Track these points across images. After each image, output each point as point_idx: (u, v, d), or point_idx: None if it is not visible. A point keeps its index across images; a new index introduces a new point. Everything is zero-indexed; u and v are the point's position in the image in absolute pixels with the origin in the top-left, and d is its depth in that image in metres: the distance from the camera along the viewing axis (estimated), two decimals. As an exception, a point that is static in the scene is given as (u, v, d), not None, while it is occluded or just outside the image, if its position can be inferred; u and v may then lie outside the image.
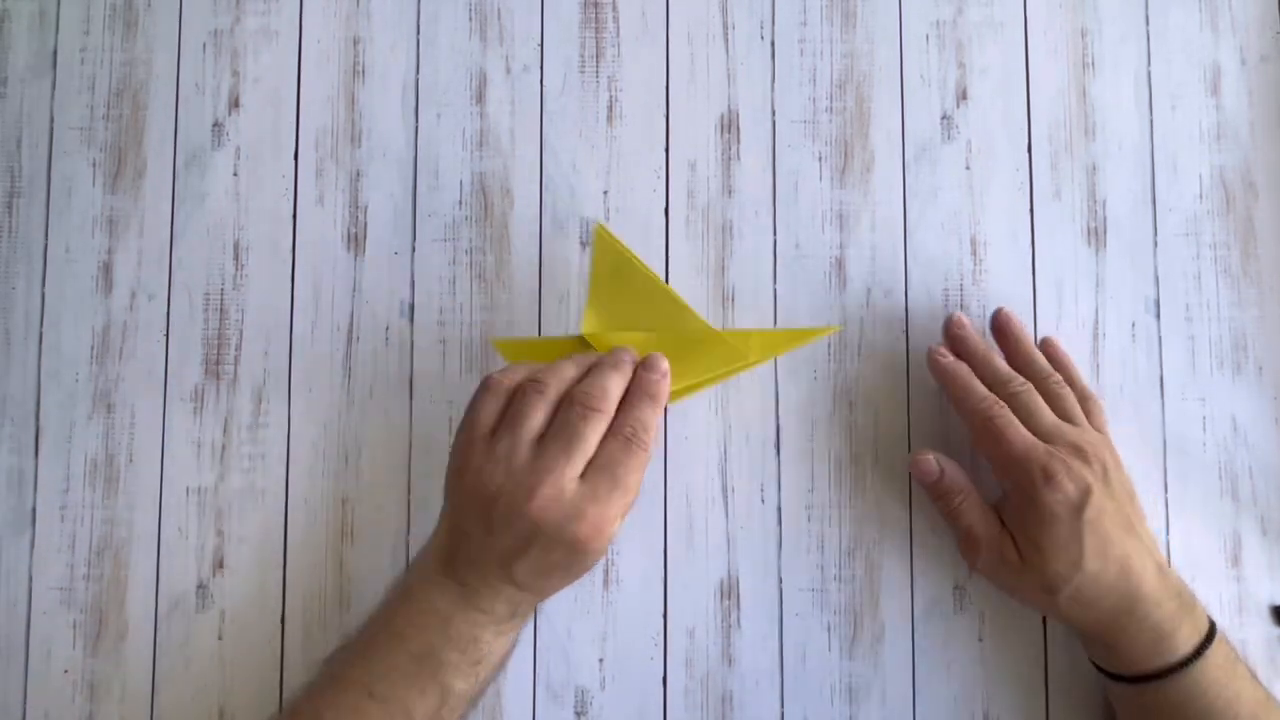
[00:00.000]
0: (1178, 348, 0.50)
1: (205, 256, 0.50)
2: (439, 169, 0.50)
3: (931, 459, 0.45)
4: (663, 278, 0.49)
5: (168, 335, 0.49)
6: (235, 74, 0.50)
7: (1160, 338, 0.50)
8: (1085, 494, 0.41)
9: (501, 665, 0.43)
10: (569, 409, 0.39)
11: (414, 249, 0.50)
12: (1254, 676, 0.42)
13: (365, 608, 0.43)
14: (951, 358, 0.46)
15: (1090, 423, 0.44)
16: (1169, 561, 0.48)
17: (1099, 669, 0.44)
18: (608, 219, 0.50)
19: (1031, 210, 0.50)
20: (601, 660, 0.48)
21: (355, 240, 0.50)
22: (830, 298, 0.50)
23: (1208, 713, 0.40)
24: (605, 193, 0.50)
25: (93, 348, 0.49)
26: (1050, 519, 0.41)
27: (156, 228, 0.50)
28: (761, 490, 0.49)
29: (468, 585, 0.39)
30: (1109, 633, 0.42)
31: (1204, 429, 0.49)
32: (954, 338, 0.47)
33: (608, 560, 0.48)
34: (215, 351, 0.49)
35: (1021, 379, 0.45)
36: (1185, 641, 0.41)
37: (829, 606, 0.48)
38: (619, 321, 0.45)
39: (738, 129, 0.50)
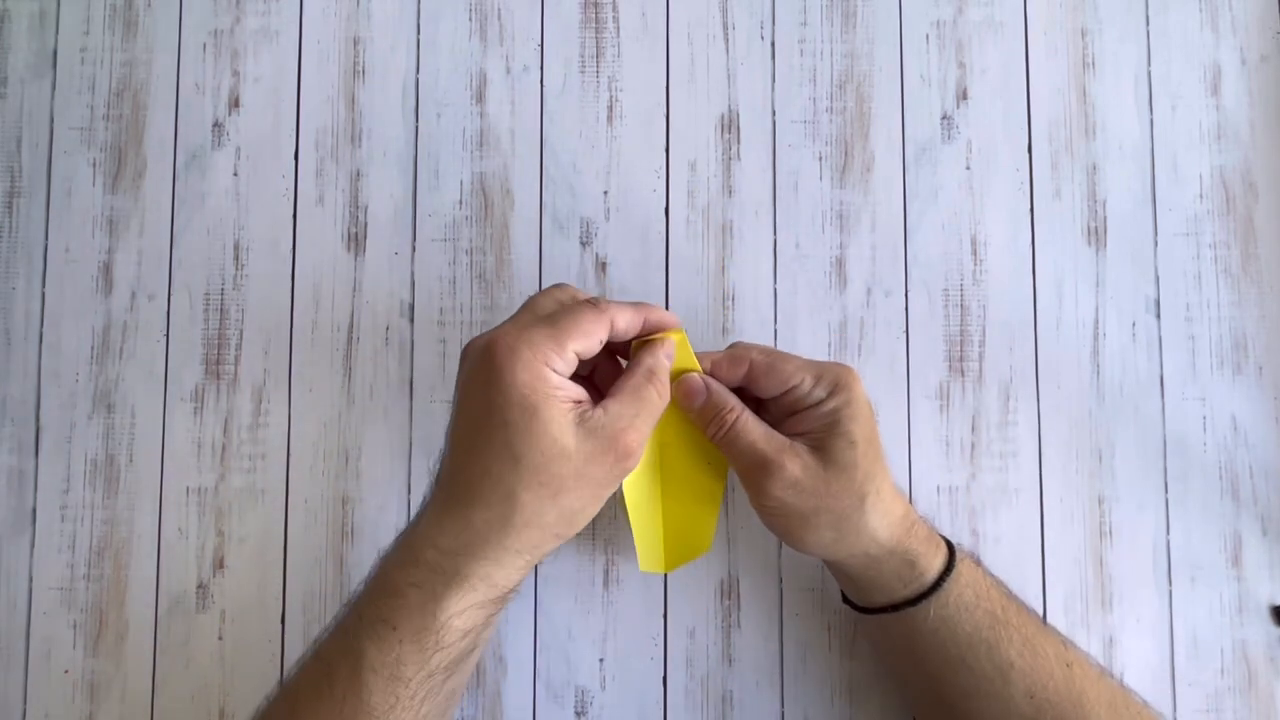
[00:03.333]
0: (1178, 348, 0.50)
1: (205, 256, 0.50)
2: (439, 169, 0.50)
3: (697, 378, 0.41)
4: (664, 280, 0.50)
5: (168, 335, 0.49)
6: (235, 74, 0.50)
7: (1160, 338, 0.50)
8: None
9: (441, 656, 0.37)
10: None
11: (414, 249, 0.50)
12: (1007, 595, 0.42)
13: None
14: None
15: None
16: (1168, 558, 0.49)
17: (853, 606, 0.44)
18: (608, 219, 0.50)
19: (1031, 210, 0.50)
20: (601, 660, 0.48)
21: (355, 240, 0.50)
22: (830, 298, 0.50)
23: (955, 636, 0.40)
24: (605, 193, 0.50)
25: (93, 348, 0.49)
26: (861, 406, 0.40)
27: (156, 228, 0.50)
28: (761, 490, 0.49)
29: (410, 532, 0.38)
30: (890, 551, 0.40)
31: (1204, 429, 0.49)
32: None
33: (608, 560, 0.48)
34: (215, 351, 0.49)
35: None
36: (933, 567, 0.40)
37: (829, 604, 0.48)
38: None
39: (738, 129, 0.50)
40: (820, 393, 0.40)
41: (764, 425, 0.40)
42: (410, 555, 0.37)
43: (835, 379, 0.40)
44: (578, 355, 0.37)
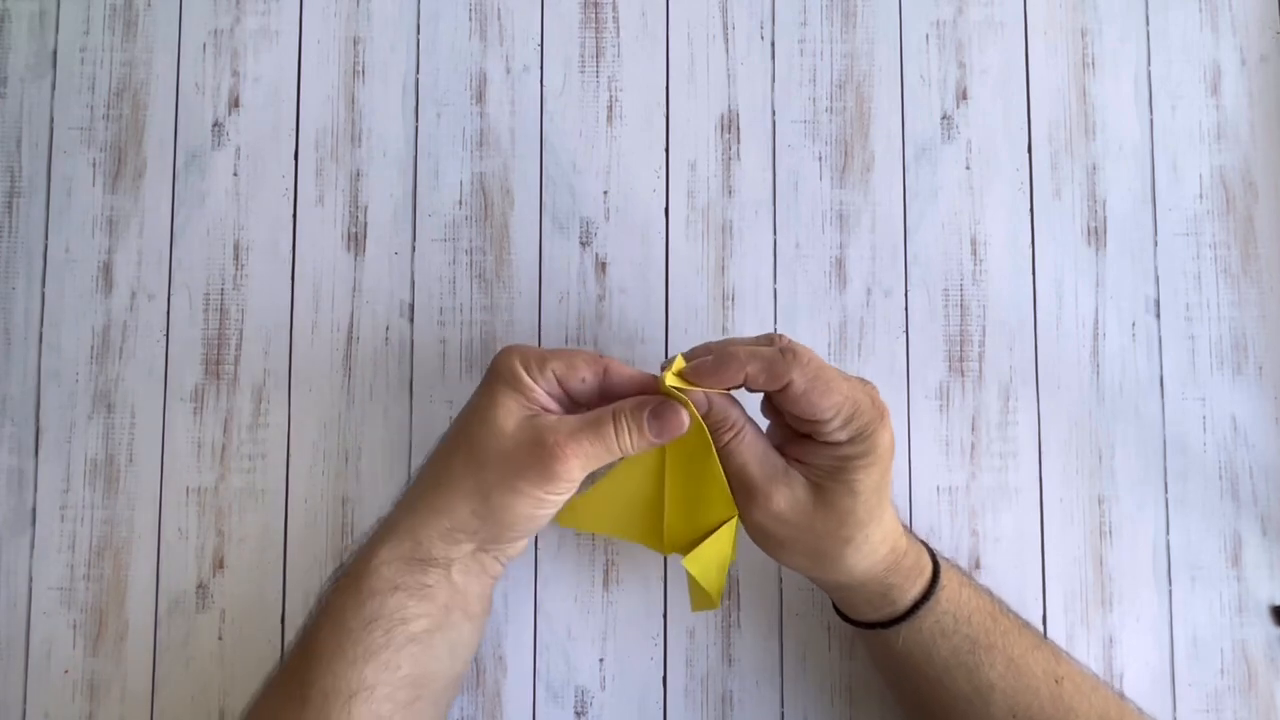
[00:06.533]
0: (1178, 348, 0.50)
1: (205, 256, 0.50)
2: (439, 169, 0.50)
3: (699, 393, 0.39)
4: (664, 280, 0.50)
5: (168, 335, 0.49)
6: (235, 74, 0.50)
7: (1160, 338, 0.50)
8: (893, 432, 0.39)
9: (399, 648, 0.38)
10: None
11: (414, 249, 0.50)
12: (995, 615, 0.41)
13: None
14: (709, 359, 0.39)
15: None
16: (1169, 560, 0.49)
17: (846, 619, 0.44)
18: (608, 219, 0.50)
19: (1031, 210, 0.50)
20: (601, 660, 0.48)
21: (355, 240, 0.50)
22: (830, 298, 0.50)
23: (930, 659, 0.40)
24: (605, 193, 0.50)
25: (93, 348, 0.49)
26: (879, 458, 0.37)
27: (156, 228, 0.50)
28: (761, 490, 0.49)
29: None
30: (863, 584, 0.40)
31: (1204, 429, 0.49)
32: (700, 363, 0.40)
33: (608, 560, 0.48)
34: (215, 351, 0.49)
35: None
36: (907, 597, 0.40)
37: (829, 604, 0.48)
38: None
39: (738, 129, 0.50)
40: (841, 435, 0.37)
41: (762, 447, 0.39)
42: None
43: (863, 428, 0.37)
44: (556, 377, 0.39)
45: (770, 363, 0.37)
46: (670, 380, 0.38)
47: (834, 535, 0.38)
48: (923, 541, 0.42)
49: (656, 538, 0.42)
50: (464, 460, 0.39)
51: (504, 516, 0.38)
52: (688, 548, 0.41)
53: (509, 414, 0.38)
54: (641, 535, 0.43)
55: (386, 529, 0.40)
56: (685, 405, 0.38)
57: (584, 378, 0.39)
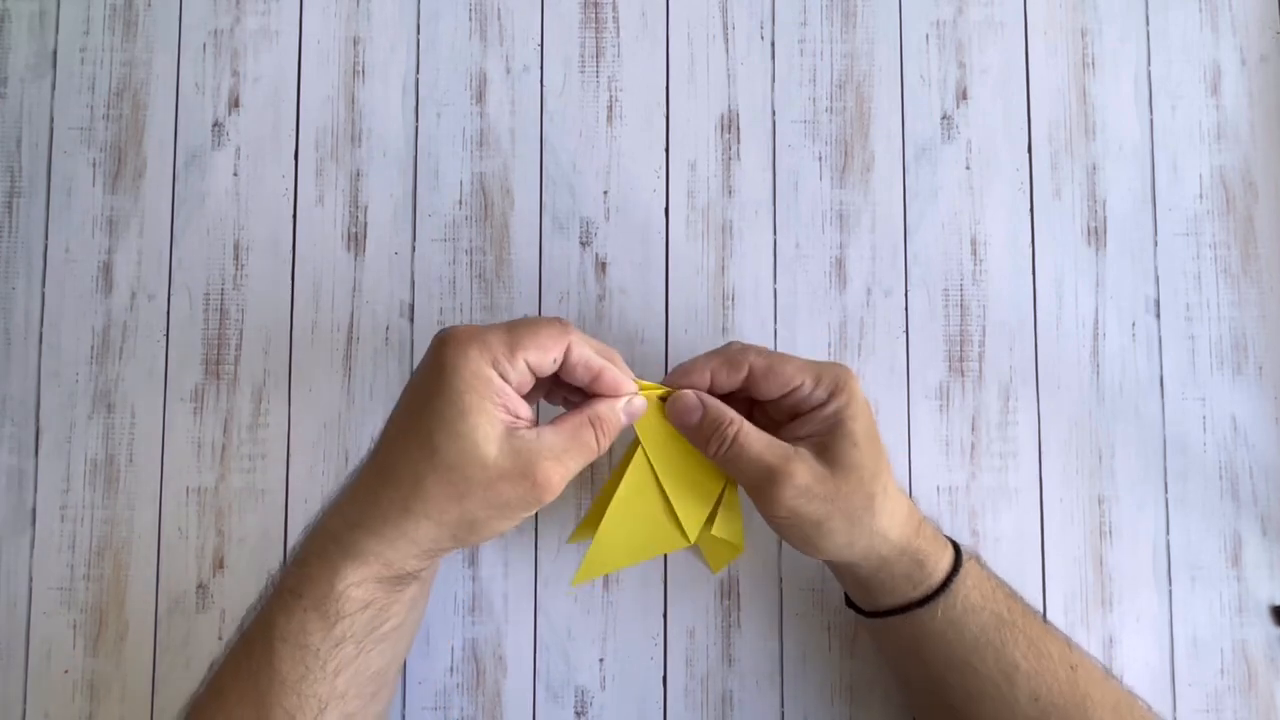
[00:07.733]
0: (1178, 348, 0.50)
1: (205, 256, 0.50)
2: (439, 169, 0.50)
3: (691, 395, 0.40)
4: (664, 280, 0.50)
5: (168, 335, 0.49)
6: (235, 74, 0.50)
7: (1160, 338, 0.50)
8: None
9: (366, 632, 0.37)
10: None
11: (414, 249, 0.50)
12: (1011, 596, 0.42)
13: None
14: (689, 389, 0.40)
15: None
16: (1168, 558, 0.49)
17: (858, 610, 0.44)
18: (608, 219, 0.50)
19: (1031, 210, 0.50)
20: (601, 660, 0.48)
21: (355, 240, 0.50)
22: (830, 298, 0.50)
23: (961, 637, 0.40)
24: (605, 193, 0.50)
25: (93, 348, 0.49)
26: (861, 404, 0.39)
27: (156, 228, 0.50)
28: (761, 490, 0.49)
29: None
30: (901, 550, 0.40)
31: (1204, 429, 0.49)
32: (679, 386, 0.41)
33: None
34: (215, 351, 0.49)
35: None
36: (940, 568, 0.41)
37: (829, 604, 0.48)
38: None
39: (738, 129, 0.50)
40: (821, 394, 0.39)
41: (765, 434, 0.39)
42: (319, 523, 0.39)
43: (835, 380, 0.39)
44: (529, 366, 0.36)
45: (727, 356, 0.40)
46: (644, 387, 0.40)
47: (858, 492, 0.38)
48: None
49: (675, 538, 0.42)
50: (442, 489, 0.35)
51: (486, 535, 0.37)
52: (707, 525, 0.42)
53: (487, 436, 0.35)
54: (661, 545, 0.42)
55: (343, 550, 0.36)
56: (645, 393, 0.40)
57: (555, 359, 0.37)
